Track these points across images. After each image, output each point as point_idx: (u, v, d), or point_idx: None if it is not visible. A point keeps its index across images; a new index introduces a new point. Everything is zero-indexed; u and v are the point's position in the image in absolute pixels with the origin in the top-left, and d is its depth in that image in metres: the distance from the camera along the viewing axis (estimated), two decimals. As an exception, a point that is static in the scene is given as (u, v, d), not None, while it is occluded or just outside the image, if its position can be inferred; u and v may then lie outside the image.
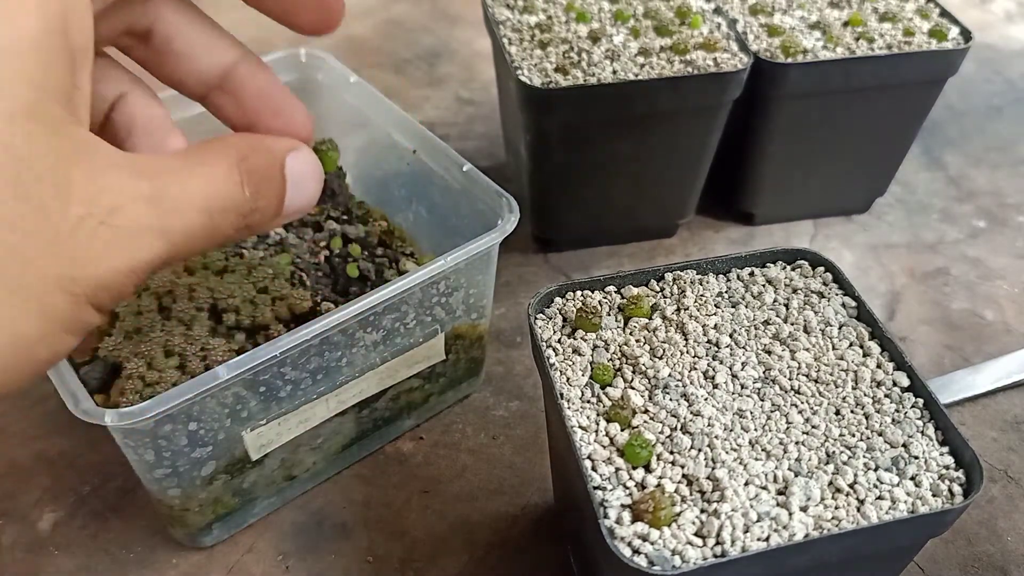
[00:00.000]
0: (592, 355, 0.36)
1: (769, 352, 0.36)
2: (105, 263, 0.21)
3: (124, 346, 0.44)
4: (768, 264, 0.40)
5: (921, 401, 0.34)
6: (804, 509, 0.30)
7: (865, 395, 0.34)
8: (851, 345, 0.36)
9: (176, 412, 0.35)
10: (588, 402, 0.34)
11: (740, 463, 0.32)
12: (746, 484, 0.31)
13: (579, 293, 0.38)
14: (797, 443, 0.32)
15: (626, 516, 0.30)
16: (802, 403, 0.34)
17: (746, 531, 0.29)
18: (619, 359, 0.36)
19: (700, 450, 0.32)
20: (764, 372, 0.35)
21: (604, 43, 0.54)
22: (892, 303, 0.57)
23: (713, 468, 0.31)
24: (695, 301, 0.38)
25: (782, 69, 0.52)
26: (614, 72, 0.51)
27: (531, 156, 0.54)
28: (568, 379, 0.35)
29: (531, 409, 0.49)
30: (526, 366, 0.52)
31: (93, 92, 0.23)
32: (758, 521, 0.30)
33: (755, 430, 0.33)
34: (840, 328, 0.37)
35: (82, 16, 0.21)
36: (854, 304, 0.38)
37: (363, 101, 0.52)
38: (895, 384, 0.35)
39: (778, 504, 0.30)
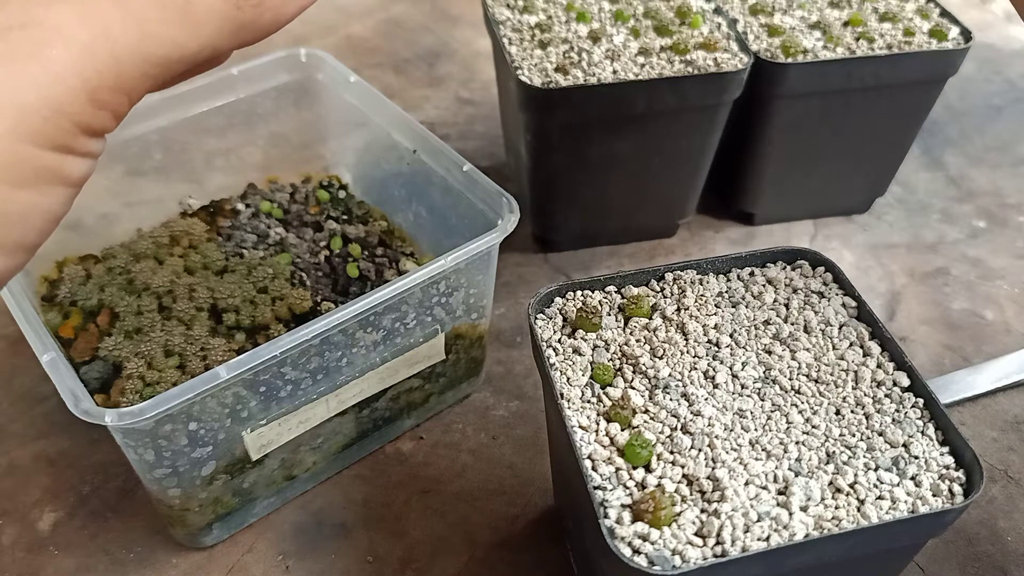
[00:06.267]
0: (592, 355, 0.36)
1: (769, 352, 0.36)
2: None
3: (124, 346, 0.44)
4: (768, 264, 0.40)
5: (921, 401, 0.34)
6: (804, 509, 0.30)
7: (865, 395, 0.34)
8: (851, 345, 0.36)
9: (176, 412, 0.35)
10: (588, 402, 0.34)
11: (740, 463, 0.32)
12: (746, 484, 0.31)
13: (579, 293, 0.38)
14: (797, 443, 0.32)
15: (626, 516, 0.30)
16: (802, 403, 0.34)
17: (746, 531, 0.29)
18: (619, 359, 0.36)
19: (700, 450, 0.32)
20: (764, 372, 0.35)
21: (604, 43, 0.54)
22: (892, 303, 0.57)
23: (713, 468, 0.31)
24: (695, 301, 0.38)
25: (782, 69, 0.52)
26: (614, 72, 0.51)
27: (531, 156, 0.54)
28: (568, 379, 0.35)
29: (531, 409, 0.49)
30: (526, 366, 0.52)
31: None
32: (758, 521, 0.30)
33: (755, 430, 0.33)
34: (840, 328, 0.37)
35: None
36: (854, 304, 0.38)
37: (363, 101, 0.52)
38: (895, 384, 0.35)
39: (778, 504, 0.30)
